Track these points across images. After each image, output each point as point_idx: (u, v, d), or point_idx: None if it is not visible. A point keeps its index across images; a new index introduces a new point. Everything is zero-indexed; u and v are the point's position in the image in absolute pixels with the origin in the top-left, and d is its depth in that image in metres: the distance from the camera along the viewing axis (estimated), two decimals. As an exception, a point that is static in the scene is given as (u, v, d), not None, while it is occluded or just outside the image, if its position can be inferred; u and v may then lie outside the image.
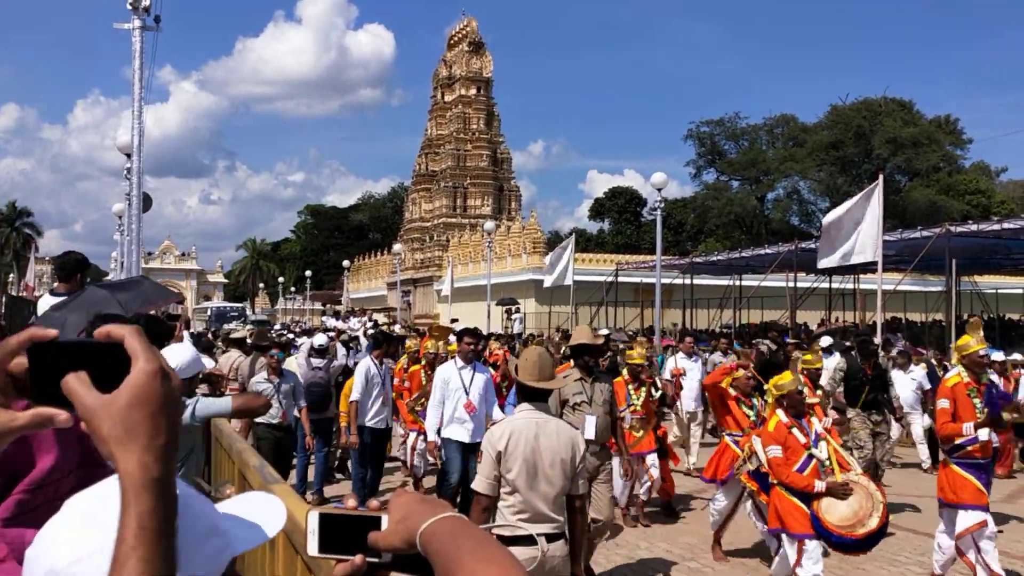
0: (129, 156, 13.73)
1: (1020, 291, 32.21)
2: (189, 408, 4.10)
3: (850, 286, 28.30)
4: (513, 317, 32.92)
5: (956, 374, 6.61)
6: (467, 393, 7.85)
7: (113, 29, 12.37)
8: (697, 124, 60.10)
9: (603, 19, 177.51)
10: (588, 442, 5.89)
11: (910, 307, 29.90)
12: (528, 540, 3.90)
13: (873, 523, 5.55)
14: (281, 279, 70.25)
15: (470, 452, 7.69)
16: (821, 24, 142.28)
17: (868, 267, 18.39)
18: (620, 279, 32.16)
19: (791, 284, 24.50)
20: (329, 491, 10.07)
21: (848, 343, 12.57)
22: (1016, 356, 14.45)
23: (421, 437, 9.36)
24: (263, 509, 1.22)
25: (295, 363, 9.95)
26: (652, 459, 8.71)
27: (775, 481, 6.03)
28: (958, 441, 6.34)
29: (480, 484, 4.10)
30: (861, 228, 15.22)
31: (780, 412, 6.07)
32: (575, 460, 4.09)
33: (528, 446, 4.03)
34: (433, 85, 57.95)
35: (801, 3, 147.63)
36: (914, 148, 50.43)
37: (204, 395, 5.23)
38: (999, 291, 32.33)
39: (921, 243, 19.74)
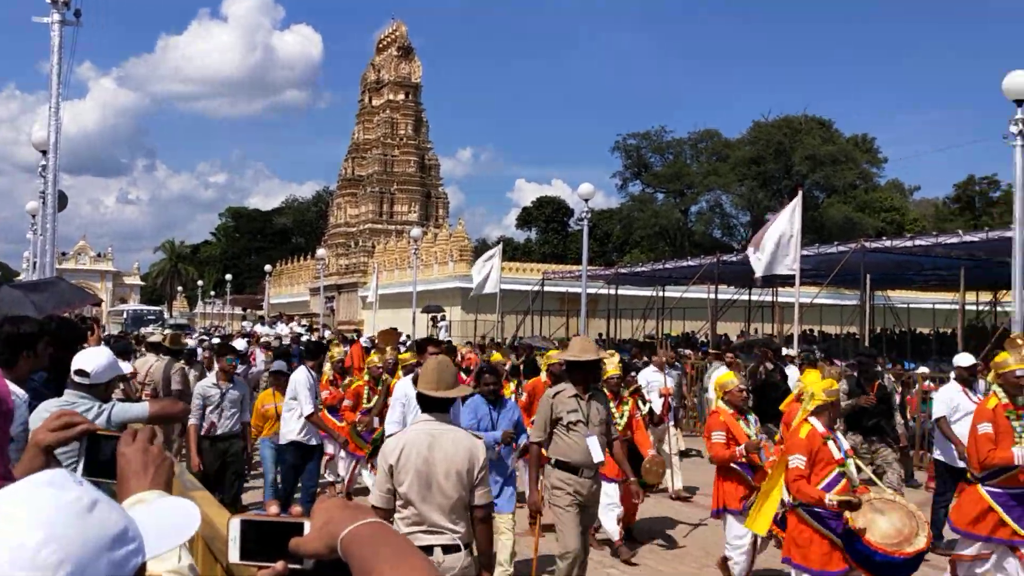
0: (44, 153, 13.31)
1: (929, 306, 33.44)
2: (105, 414, 3.97)
3: (769, 298, 28.99)
4: (439, 325, 32.79)
5: (993, 395, 6.13)
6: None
7: (32, 23, 12.04)
8: (624, 136, 61.02)
9: (534, 28, 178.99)
10: (590, 465, 5.76)
11: (826, 320, 30.80)
12: (425, 551, 3.88)
13: (921, 542, 5.09)
14: (200, 282, 68.64)
15: None
16: (746, 41, 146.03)
17: (787, 280, 18.88)
18: (546, 288, 32.34)
19: (712, 296, 24.97)
20: (249, 498, 9.86)
21: (759, 352, 12.32)
22: (924, 369, 15.04)
23: (364, 465, 8.79)
24: (178, 515, 1.20)
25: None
26: (615, 488, 7.69)
27: (794, 502, 5.54)
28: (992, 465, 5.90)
29: (374, 498, 4.18)
30: (781, 242, 15.69)
31: (815, 421, 5.57)
32: (473, 471, 4.04)
33: (420, 458, 4.02)
34: (361, 89, 57.48)
35: (727, 20, 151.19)
36: (832, 165, 52.02)
37: (120, 400, 5.08)
38: (910, 306, 33.53)
39: (837, 258, 20.32)
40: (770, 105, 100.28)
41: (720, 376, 7.28)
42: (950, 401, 8.51)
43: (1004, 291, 25.40)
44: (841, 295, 30.88)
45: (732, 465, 6.64)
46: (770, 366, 11.42)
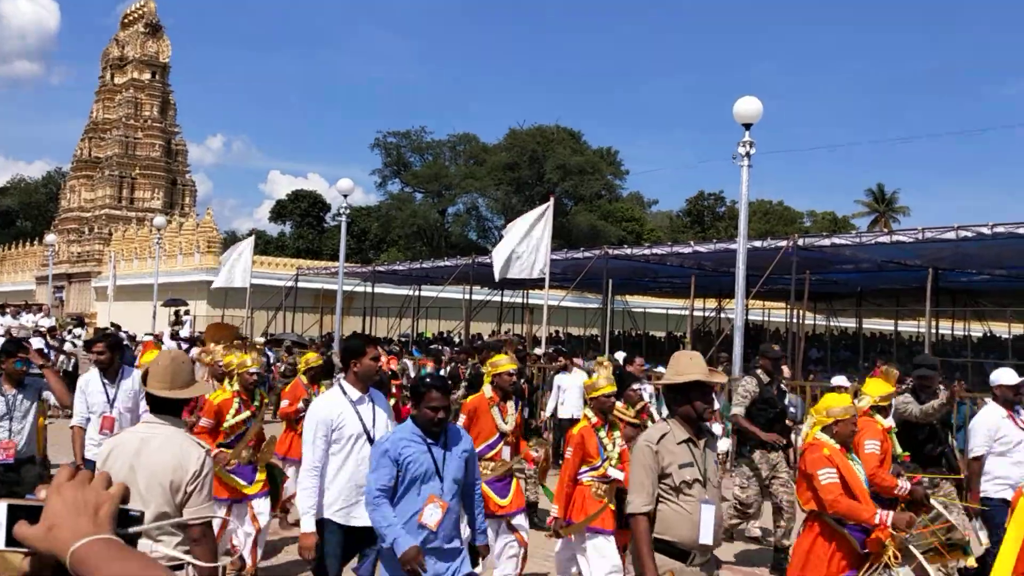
0: None
1: (663, 311, 36.01)
2: None
3: (520, 300, 30.02)
4: (182, 320, 31.04)
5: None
6: (370, 438, 4.84)
7: None
8: (384, 134, 60.73)
9: (294, 19, 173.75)
10: (701, 549, 3.97)
11: (571, 322, 32.33)
12: None
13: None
14: (-98, 267, 60.66)
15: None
16: (504, 50, 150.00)
17: (536, 283, 19.61)
18: (300, 284, 31.53)
19: (467, 296, 25.46)
20: None
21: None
22: (660, 369, 16.08)
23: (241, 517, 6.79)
24: None
25: None
26: (521, 520, 6.41)
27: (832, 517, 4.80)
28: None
29: None
30: (532, 246, 16.26)
31: (827, 438, 4.93)
32: (180, 484, 3.56)
33: (126, 464, 3.59)
34: (102, 65, 53.20)
35: (487, 29, 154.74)
36: (580, 175, 54.68)
37: None
38: (647, 310, 35.94)
39: (583, 263, 21.38)
40: (524, 115, 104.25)
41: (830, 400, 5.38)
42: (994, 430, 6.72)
43: (728, 299, 27.92)
44: (585, 298, 32.53)
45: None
46: (767, 378, 11.16)
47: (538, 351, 14.67)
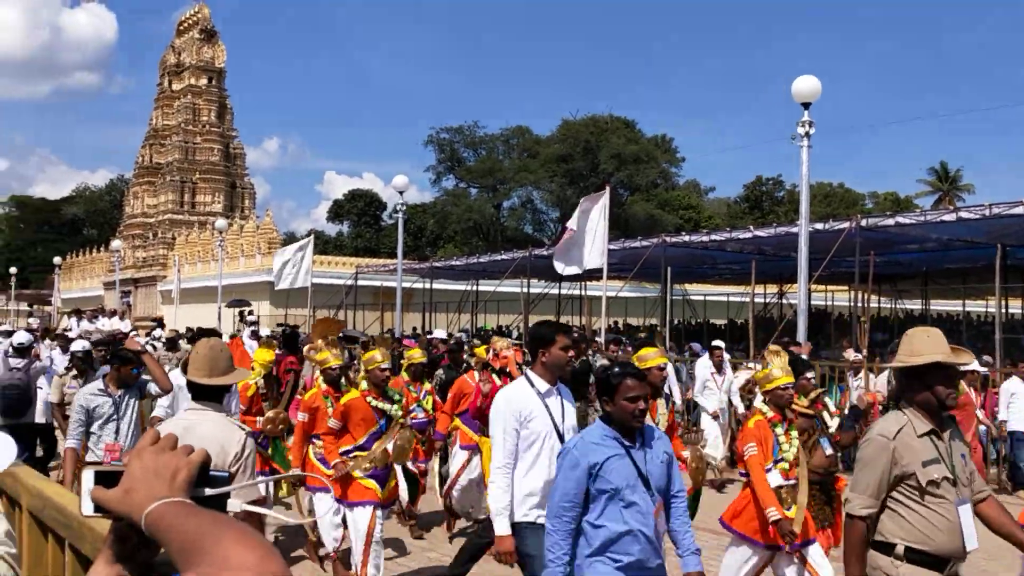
0: None
1: (723, 299, 35.60)
2: None
3: (578, 292, 29.92)
4: (248, 319, 31.61)
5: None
6: (559, 435, 4.35)
7: None
8: (437, 130, 61.02)
9: (343, 19, 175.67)
10: (961, 556, 3.51)
11: (630, 312, 32.12)
12: None
13: None
14: (-19, 277, 62.88)
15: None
16: (556, 40, 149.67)
17: (594, 274, 19.52)
18: (360, 282, 31.88)
19: (524, 289, 25.47)
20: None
21: None
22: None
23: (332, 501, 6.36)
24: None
25: None
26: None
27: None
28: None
29: None
30: (589, 238, 16.19)
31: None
32: (225, 466, 3.55)
33: None
34: (160, 72, 54.48)
35: (536, 19, 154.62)
36: (635, 164, 54.32)
37: None
38: (706, 298, 35.54)
39: (640, 252, 21.22)
40: (577, 105, 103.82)
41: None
42: None
43: (789, 283, 27.46)
44: (643, 288, 32.30)
45: None
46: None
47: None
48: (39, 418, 9.11)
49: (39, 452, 9.24)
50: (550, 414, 4.30)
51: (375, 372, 6.30)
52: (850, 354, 14.82)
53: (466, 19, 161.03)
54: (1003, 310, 19.47)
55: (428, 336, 17.70)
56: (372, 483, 6.12)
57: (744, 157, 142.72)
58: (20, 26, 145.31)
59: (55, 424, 8.80)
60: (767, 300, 31.63)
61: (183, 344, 17.56)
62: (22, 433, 8.73)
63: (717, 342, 12.05)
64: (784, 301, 30.23)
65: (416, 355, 8.49)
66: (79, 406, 6.13)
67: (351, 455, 6.14)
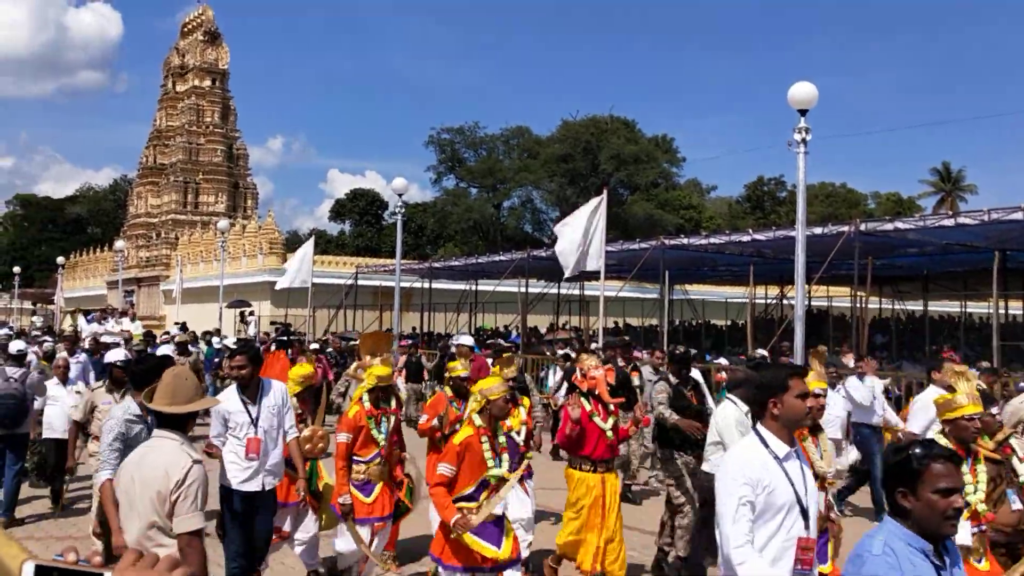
0: None
1: (723, 300, 35.61)
2: None
3: (576, 292, 29.94)
4: (248, 320, 31.68)
5: None
6: (803, 510, 3.70)
7: None
8: (438, 130, 61.08)
9: (344, 17, 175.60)
10: None
11: (628, 313, 32.14)
12: None
13: None
14: (-17, 275, 63.11)
15: None
16: (553, 40, 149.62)
17: (593, 275, 19.54)
18: (360, 282, 31.94)
19: (523, 290, 25.50)
20: (28, 510, 9.15)
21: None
22: (722, 360, 15.92)
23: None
24: None
25: None
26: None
27: None
28: None
29: None
30: (589, 239, 16.19)
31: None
32: (165, 494, 3.61)
33: (129, 475, 3.74)
34: (164, 73, 54.51)
35: (533, 20, 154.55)
36: (635, 164, 54.29)
37: None
38: (705, 299, 35.58)
39: (639, 254, 21.23)
40: (577, 105, 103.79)
41: None
42: None
43: (789, 285, 27.46)
44: (643, 289, 32.32)
45: None
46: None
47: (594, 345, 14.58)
48: (56, 433, 9.02)
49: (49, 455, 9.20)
50: (791, 483, 3.45)
51: (498, 404, 5.09)
52: (849, 359, 14.82)
53: (469, 19, 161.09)
54: (1002, 312, 19.48)
55: (450, 342, 15.95)
56: (490, 548, 5.04)
57: (746, 157, 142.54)
58: (26, 24, 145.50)
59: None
60: (768, 301, 31.64)
61: (192, 348, 17.58)
62: (17, 444, 8.76)
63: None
64: (785, 302, 30.23)
65: (459, 367, 7.46)
66: (118, 432, 5.28)
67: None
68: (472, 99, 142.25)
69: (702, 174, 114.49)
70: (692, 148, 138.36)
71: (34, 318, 47.67)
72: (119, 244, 43.17)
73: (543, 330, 29.52)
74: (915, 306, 33.25)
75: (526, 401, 7.30)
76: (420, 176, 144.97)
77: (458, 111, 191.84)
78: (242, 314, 32.62)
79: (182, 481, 3.62)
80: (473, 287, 30.82)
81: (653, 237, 23.03)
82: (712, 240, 21.37)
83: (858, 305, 19.26)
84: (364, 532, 6.24)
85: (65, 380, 9.65)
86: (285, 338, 18.01)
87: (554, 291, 30.44)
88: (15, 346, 9.10)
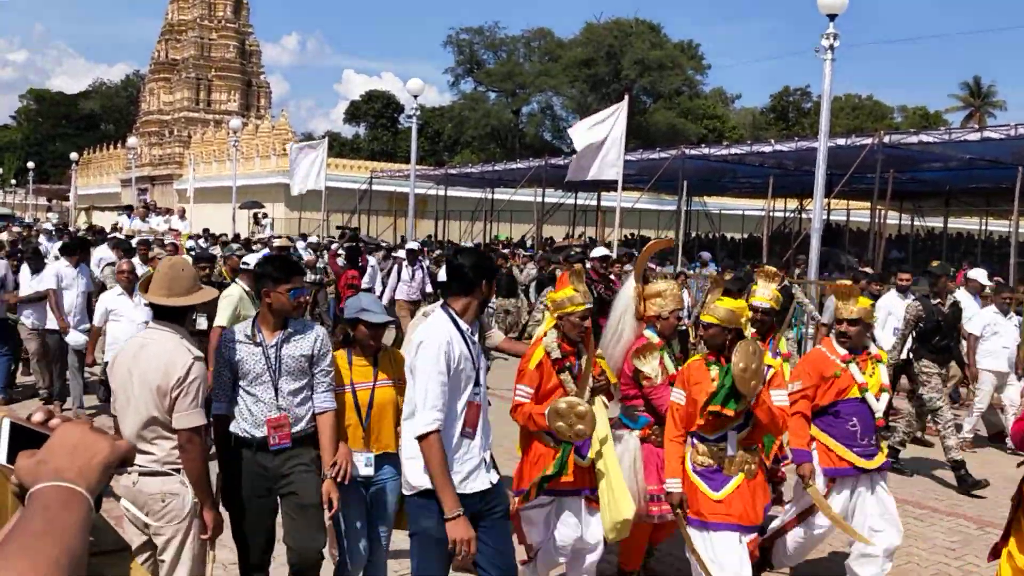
0: None
1: (740, 212, 35.21)
2: None
3: (593, 202, 29.64)
4: (263, 222, 31.60)
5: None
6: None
7: None
8: (457, 31, 59.60)
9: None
10: None
11: (644, 224, 31.88)
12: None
13: None
14: (-1, 170, 63.16)
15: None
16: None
17: (610, 184, 19.24)
18: (374, 187, 31.71)
19: (539, 199, 25.24)
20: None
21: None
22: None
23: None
24: None
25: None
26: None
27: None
28: None
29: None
30: (607, 147, 15.81)
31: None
32: (166, 390, 3.56)
33: (125, 368, 3.67)
34: (176, -36, 53.23)
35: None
36: (659, 71, 53.03)
37: None
38: (722, 211, 35.18)
39: (658, 164, 20.89)
40: (602, 6, 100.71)
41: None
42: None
43: (808, 199, 27.04)
44: (661, 200, 31.96)
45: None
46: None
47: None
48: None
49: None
50: None
51: (572, 321, 4.23)
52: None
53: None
54: (1023, 230, 19.12)
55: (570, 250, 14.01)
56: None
57: (773, 65, 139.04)
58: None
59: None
60: (786, 215, 31.27)
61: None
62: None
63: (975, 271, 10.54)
64: (804, 215, 29.88)
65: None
66: (223, 358, 3.92)
67: None
68: None
69: (728, 82, 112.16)
70: (719, 55, 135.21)
71: (50, 214, 47.84)
72: (132, 142, 42.91)
73: (559, 240, 29.34)
74: (935, 222, 32.81)
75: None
76: (439, 80, 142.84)
77: (479, 9, 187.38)
78: (256, 216, 32.52)
79: (183, 378, 3.58)
80: (489, 195, 30.53)
81: (673, 147, 22.61)
82: (733, 150, 21.02)
83: (877, 220, 18.96)
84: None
85: (131, 290, 7.47)
86: (355, 244, 14.88)
87: (571, 201, 30.15)
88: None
